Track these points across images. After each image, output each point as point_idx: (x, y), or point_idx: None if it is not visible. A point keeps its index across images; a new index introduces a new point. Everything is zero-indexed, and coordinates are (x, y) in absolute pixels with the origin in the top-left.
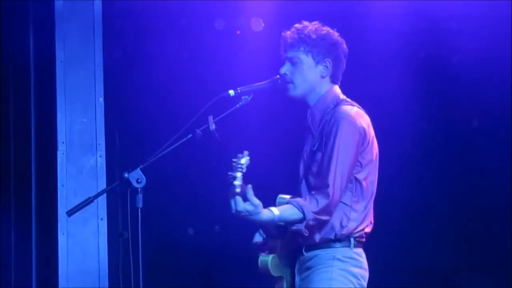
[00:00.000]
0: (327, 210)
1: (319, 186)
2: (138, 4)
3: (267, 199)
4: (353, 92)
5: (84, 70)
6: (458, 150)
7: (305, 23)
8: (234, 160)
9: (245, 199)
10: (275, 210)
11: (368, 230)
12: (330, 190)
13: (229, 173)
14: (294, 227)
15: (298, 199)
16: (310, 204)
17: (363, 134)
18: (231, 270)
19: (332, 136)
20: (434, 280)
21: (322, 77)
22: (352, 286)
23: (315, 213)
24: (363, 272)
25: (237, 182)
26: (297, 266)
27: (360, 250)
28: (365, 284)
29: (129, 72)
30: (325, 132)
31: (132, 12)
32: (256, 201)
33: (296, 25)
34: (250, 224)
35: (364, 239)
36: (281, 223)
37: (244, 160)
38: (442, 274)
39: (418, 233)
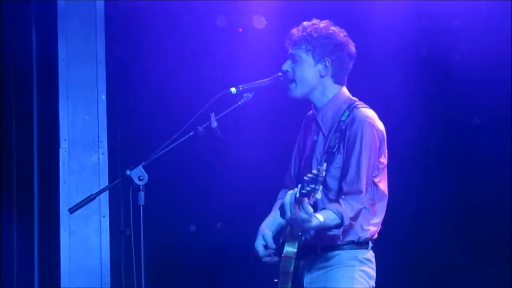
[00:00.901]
0: (359, 214)
1: (350, 191)
2: (140, 1)
3: (270, 195)
4: (354, 90)
5: (86, 68)
6: (458, 147)
7: (314, 21)
8: (314, 172)
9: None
10: (320, 217)
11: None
12: (363, 196)
13: (311, 185)
14: (331, 232)
15: (337, 205)
16: (346, 210)
17: (381, 137)
18: (233, 267)
19: (358, 140)
20: (434, 277)
21: (322, 76)
22: (367, 286)
23: (351, 218)
24: (374, 274)
25: (319, 196)
26: (307, 265)
27: (372, 253)
28: (374, 284)
29: (131, 69)
30: (348, 135)
31: (134, 9)
32: (311, 209)
33: (305, 22)
34: (251, 221)
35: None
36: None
37: (325, 173)
38: (442, 271)
39: (418, 230)
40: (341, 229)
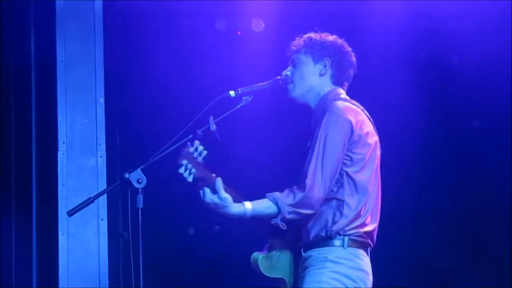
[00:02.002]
0: (305, 202)
1: (299, 180)
2: (139, 4)
3: None
4: (354, 93)
5: (84, 70)
6: (457, 150)
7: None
8: (184, 149)
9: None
10: (248, 204)
11: (368, 229)
12: (307, 181)
13: (177, 161)
14: (272, 222)
15: (275, 193)
16: (287, 197)
17: (350, 127)
18: (232, 270)
19: (318, 130)
20: (433, 279)
21: (321, 75)
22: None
23: (292, 205)
24: (362, 274)
25: (181, 171)
26: (298, 267)
27: (359, 252)
28: (364, 285)
29: (129, 72)
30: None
31: (133, 12)
32: (224, 194)
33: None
34: (249, 225)
35: (365, 240)
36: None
37: (192, 149)
38: (441, 274)
39: (417, 232)
40: (279, 217)
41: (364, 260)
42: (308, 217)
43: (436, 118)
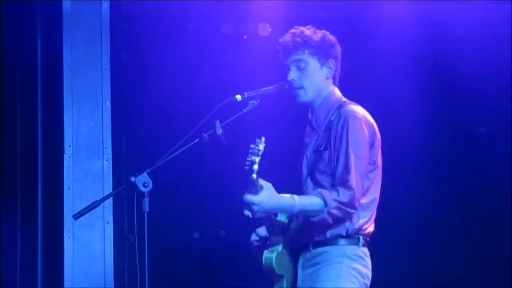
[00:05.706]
0: (352, 201)
1: (338, 183)
2: (146, 8)
3: None
4: (359, 98)
5: (91, 74)
6: (463, 156)
7: (300, 27)
8: (252, 146)
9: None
10: (295, 196)
11: (371, 230)
12: (351, 183)
13: (248, 158)
14: (316, 218)
15: (319, 189)
16: (331, 193)
17: (372, 131)
18: (237, 274)
19: (344, 133)
20: (437, 286)
21: (327, 78)
22: (358, 284)
23: (337, 201)
24: (368, 272)
25: (256, 167)
26: (300, 263)
27: (367, 250)
28: (369, 283)
29: (136, 76)
30: (333, 132)
31: (140, 16)
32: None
33: (292, 30)
34: (255, 229)
35: (368, 239)
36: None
37: (262, 146)
38: (447, 281)
39: (422, 238)
40: (326, 211)
41: (369, 258)
42: (349, 216)
43: (442, 124)
